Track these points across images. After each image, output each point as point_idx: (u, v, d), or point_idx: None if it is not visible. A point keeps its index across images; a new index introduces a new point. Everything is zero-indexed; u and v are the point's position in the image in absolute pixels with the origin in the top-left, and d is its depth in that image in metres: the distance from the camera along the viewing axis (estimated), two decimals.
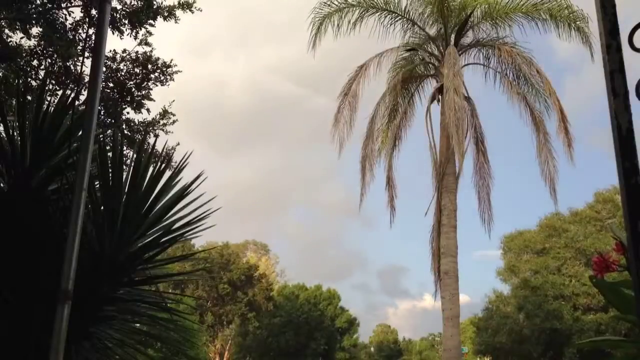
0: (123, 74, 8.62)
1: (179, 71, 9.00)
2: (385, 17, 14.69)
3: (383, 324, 73.96)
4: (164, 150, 7.36)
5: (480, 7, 14.45)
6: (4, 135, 3.20)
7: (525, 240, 34.79)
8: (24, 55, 7.67)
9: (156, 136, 8.97)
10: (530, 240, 34.51)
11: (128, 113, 8.86)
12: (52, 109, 3.37)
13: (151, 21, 8.33)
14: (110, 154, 3.33)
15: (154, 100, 8.93)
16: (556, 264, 31.82)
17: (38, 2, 7.58)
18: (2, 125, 3.26)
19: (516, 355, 33.20)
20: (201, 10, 8.57)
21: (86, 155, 2.37)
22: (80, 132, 2.88)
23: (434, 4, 14.13)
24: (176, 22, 8.45)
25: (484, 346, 36.10)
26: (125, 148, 7.44)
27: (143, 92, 8.78)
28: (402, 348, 69.20)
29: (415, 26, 14.94)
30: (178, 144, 8.81)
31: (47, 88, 3.71)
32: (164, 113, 9.12)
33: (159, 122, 9.05)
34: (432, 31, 15.04)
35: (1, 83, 7.34)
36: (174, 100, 9.27)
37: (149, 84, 8.78)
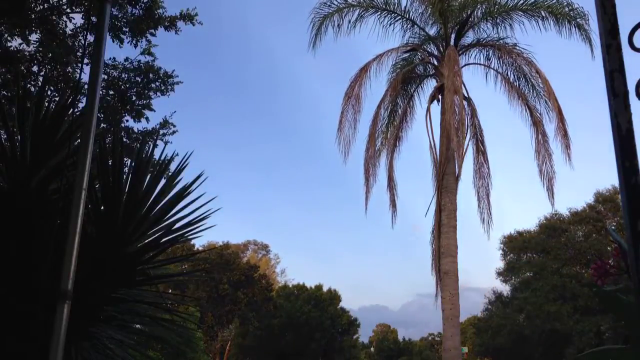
0: (124, 81, 8.59)
1: (180, 82, 8.99)
2: (385, 17, 14.69)
3: (383, 323, 73.99)
4: (164, 155, 7.37)
5: (480, 7, 14.44)
6: (4, 135, 3.19)
7: (525, 241, 34.75)
8: (24, 61, 7.65)
9: (155, 145, 8.95)
10: (529, 241, 34.47)
11: (127, 121, 8.83)
12: (53, 109, 3.37)
13: (152, 30, 8.30)
14: (110, 154, 3.33)
15: (154, 111, 8.91)
16: (556, 265, 31.79)
17: (39, 8, 7.55)
18: (2, 125, 3.25)
19: (516, 356, 33.19)
20: (202, 24, 8.54)
21: (86, 155, 2.37)
22: (80, 132, 2.88)
23: (434, 4, 14.12)
24: (177, 33, 8.41)
25: (484, 347, 36.09)
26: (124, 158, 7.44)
27: (143, 102, 8.76)
28: (402, 348, 69.11)
29: (415, 26, 14.92)
30: (177, 154, 8.78)
31: (46, 94, 3.69)
32: (165, 123, 9.09)
33: (159, 131, 9.02)
34: (432, 31, 15.05)
35: (1, 86, 7.32)
36: (175, 112, 9.31)
37: (150, 93, 8.76)
